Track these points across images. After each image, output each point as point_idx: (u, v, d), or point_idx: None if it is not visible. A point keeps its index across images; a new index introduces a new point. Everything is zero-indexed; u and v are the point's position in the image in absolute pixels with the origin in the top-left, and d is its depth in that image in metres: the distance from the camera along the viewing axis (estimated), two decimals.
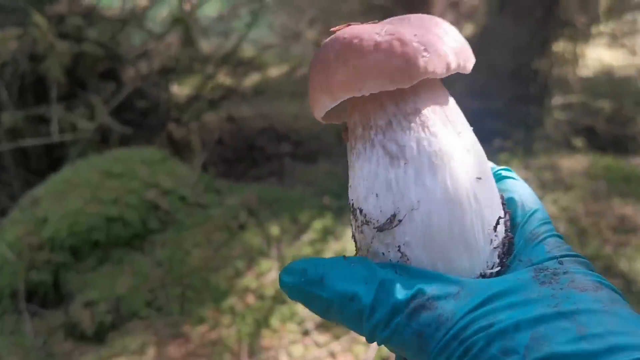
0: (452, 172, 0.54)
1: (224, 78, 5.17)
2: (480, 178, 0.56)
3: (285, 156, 4.52)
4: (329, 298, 0.53)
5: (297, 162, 4.47)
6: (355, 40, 0.55)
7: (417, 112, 0.56)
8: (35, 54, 3.22)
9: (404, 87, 0.54)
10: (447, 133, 0.56)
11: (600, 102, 4.15)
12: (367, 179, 0.57)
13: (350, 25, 0.61)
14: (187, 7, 4.96)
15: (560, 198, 2.63)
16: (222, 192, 2.79)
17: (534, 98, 3.62)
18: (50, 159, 3.08)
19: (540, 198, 2.64)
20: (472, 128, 0.62)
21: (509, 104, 3.67)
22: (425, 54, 0.53)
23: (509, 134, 3.51)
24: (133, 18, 3.97)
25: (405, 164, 0.55)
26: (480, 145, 0.62)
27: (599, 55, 5.83)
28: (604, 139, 3.95)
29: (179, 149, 4.18)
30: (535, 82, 3.64)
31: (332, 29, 0.63)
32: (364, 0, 7.72)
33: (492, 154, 2.56)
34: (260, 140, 4.66)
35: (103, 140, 3.19)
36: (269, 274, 2.42)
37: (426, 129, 0.56)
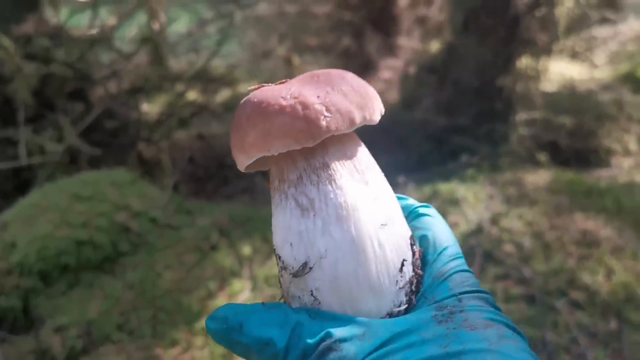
0: (357, 222, 0.59)
1: (194, 95, 5.19)
2: (385, 224, 0.61)
3: (257, 174, 4.54)
4: (247, 343, 0.56)
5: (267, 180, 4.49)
6: (263, 104, 0.61)
7: (325, 166, 0.61)
8: (1, 76, 3.19)
9: (310, 146, 0.59)
10: (354, 184, 0.61)
11: (563, 118, 4.28)
12: (283, 228, 0.62)
13: (262, 87, 0.66)
14: (156, 26, 4.97)
15: (525, 213, 2.71)
16: (193, 212, 2.80)
17: (499, 114, 3.72)
18: (18, 182, 3.04)
19: (506, 213, 2.72)
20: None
21: (474, 120, 3.77)
22: (327, 114, 0.58)
23: (475, 149, 3.60)
24: (101, 38, 3.96)
25: (314, 215, 0.59)
26: (390, 189, 0.68)
27: (560, 70, 6.04)
28: (566, 153, 4.08)
29: (150, 169, 4.17)
30: (499, 98, 3.74)
31: (248, 89, 0.68)
32: (332, 16, 7.83)
33: (459, 170, 2.63)
34: (230, 158, 4.66)
35: (72, 161, 3.16)
36: (241, 294, 2.43)
37: (333, 182, 0.60)
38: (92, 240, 2.37)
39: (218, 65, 9.90)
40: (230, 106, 7.28)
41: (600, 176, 3.97)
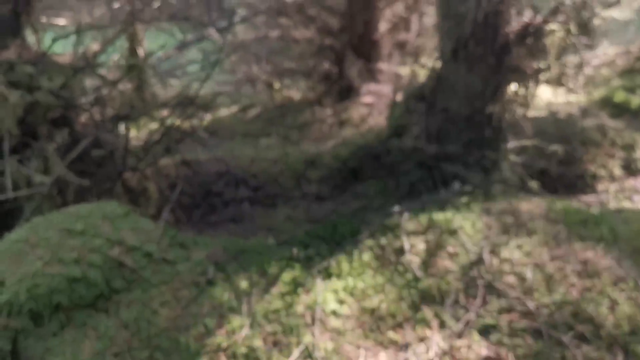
0: None
1: (178, 121, 5.11)
2: None
3: (244, 201, 4.47)
4: None
5: (256, 207, 4.43)
6: None
7: None
8: None
9: None
10: None
11: (551, 144, 4.33)
12: None
13: None
14: (140, 51, 4.91)
15: (524, 243, 2.70)
16: (187, 245, 2.71)
17: (489, 142, 3.74)
18: (2, 215, 2.93)
19: (505, 243, 2.70)
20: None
21: (465, 148, 3.77)
22: None
23: (466, 177, 3.60)
24: (86, 64, 3.88)
25: None
26: None
27: (544, 95, 6.13)
28: (554, 179, 4.12)
29: (136, 197, 4.07)
30: (489, 126, 3.76)
31: None
32: (313, 41, 7.85)
33: (451, 198, 2.60)
34: (217, 185, 4.59)
35: (58, 193, 3.06)
36: (241, 331, 2.35)
37: None
38: (85, 277, 2.27)
39: (202, 91, 9.80)
40: (212, 131, 7.21)
41: (590, 202, 4.02)
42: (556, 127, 4.67)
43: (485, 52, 3.67)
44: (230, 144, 6.70)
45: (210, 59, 4.41)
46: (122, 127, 3.90)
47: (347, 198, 4.40)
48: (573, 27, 3.60)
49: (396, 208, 3.19)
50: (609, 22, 10.83)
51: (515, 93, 3.83)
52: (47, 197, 2.80)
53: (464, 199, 3.39)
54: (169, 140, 4.24)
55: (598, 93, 7.18)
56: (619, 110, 6.68)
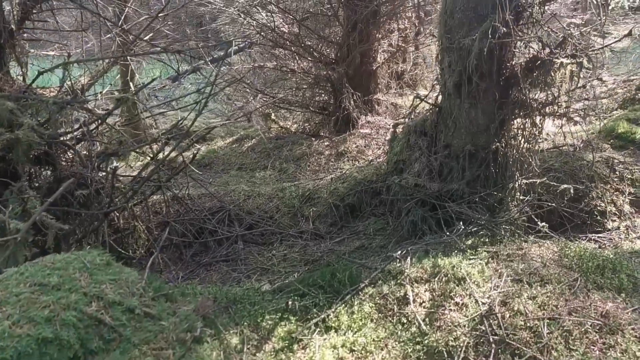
0: None
1: (171, 155, 4.92)
2: None
3: (238, 240, 4.26)
4: None
5: (251, 246, 4.22)
6: None
7: None
8: None
9: None
10: None
11: (558, 181, 4.16)
12: None
13: None
14: (131, 84, 4.75)
15: (537, 294, 2.49)
16: (173, 298, 2.50)
17: (495, 180, 3.56)
18: None
19: (518, 294, 2.49)
20: None
21: (469, 186, 3.59)
22: None
23: (471, 217, 3.41)
24: (73, 98, 3.71)
25: None
26: None
27: (547, 127, 5.97)
28: (564, 217, 3.93)
29: (124, 238, 3.86)
30: (494, 163, 3.59)
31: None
32: (310, 72, 7.74)
33: (456, 240, 2.39)
34: (210, 222, 4.39)
35: (37, 236, 2.85)
36: None
37: None
38: (58, 337, 2.05)
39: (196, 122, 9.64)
40: (206, 162, 7.04)
41: (603, 243, 3.82)
42: (562, 161, 4.50)
43: (489, 86, 3.52)
44: (225, 177, 6.52)
45: (205, 90, 4.23)
46: (109, 164, 3.71)
47: (345, 236, 4.20)
48: (582, 60, 3.45)
49: (398, 252, 2.99)
50: (608, 52, 10.76)
51: (521, 128, 3.66)
52: (22, 243, 2.59)
53: (470, 241, 3.20)
54: (160, 177, 4.05)
55: (601, 124, 7.05)
56: (623, 141, 6.53)
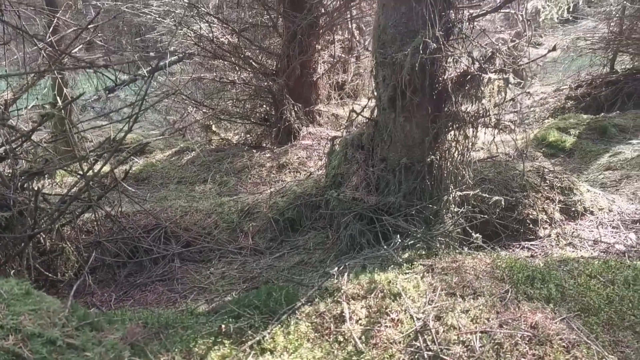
0: None
1: (104, 171, 4.75)
2: None
3: (174, 258, 4.14)
4: None
5: (188, 264, 4.11)
6: None
7: None
8: None
9: None
10: None
11: (492, 191, 4.25)
12: None
13: None
14: (61, 98, 4.56)
15: (470, 307, 2.52)
16: (99, 326, 2.38)
17: (430, 192, 3.60)
18: None
19: (451, 308, 2.52)
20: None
21: (405, 199, 3.62)
22: None
23: (408, 230, 3.44)
24: None
25: None
26: None
27: (480, 135, 6.13)
28: (497, 227, 4.02)
29: (51, 260, 3.68)
30: (430, 176, 3.63)
31: None
32: (251, 83, 7.67)
33: (393, 253, 2.39)
34: (146, 240, 4.25)
35: None
36: None
37: None
38: None
39: (132, 135, 9.40)
40: (144, 177, 6.84)
41: (534, 251, 3.93)
42: (496, 172, 4.62)
43: (423, 100, 3.57)
44: (164, 192, 6.36)
45: (143, 103, 4.10)
46: (34, 184, 3.53)
47: (285, 251, 4.16)
48: (508, 76, 3.54)
49: (335, 269, 2.97)
50: (540, 63, 11.23)
51: (455, 141, 3.73)
52: None
53: (407, 254, 3.22)
54: (91, 194, 3.88)
55: (533, 133, 7.32)
56: (553, 149, 6.81)
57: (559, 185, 4.68)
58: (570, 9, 9.69)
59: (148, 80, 3.59)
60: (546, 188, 4.63)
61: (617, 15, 8.48)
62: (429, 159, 3.65)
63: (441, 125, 3.63)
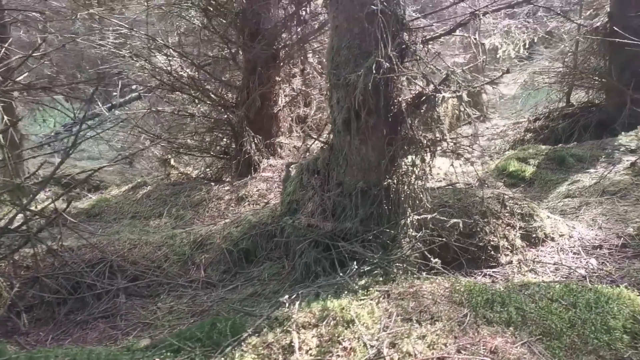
0: None
1: (47, 203, 4.50)
2: None
3: (120, 293, 3.89)
4: None
5: (134, 300, 3.86)
6: None
7: None
8: None
9: None
10: None
11: (452, 217, 4.16)
12: None
13: None
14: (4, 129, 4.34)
15: (427, 332, 2.36)
16: None
17: (388, 217, 3.48)
18: None
19: (407, 334, 2.35)
20: None
21: (362, 225, 3.49)
22: None
23: (364, 256, 3.29)
24: None
25: None
26: None
27: (443, 165, 6.09)
28: (458, 253, 3.90)
29: None
30: (387, 200, 3.51)
31: None
32: (210, 115, 7.54)
33: (349, 281, 2.22)
34: (89, 275, 3.98)
35: None
36: None
37: None
38: None
39: (83, 167, 9.16)
40: (96, 212, 6.56)
41: (495, 277, 3.82)
42: (456, 198, 4.53)
43: (378, 122, 3.48)
44: (116, 227, 6.09)
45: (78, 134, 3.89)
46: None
47: (239, 283, 3.95)
48: (462, 94, 3.49)
49: (286, 297, 2.79)
50: (499, 97, 11.48)
51: (412, 164, 3.63)
52: None
53: (363, 281, 3.06)
54: (30, 227, 3.64)
55: (494, 163, 7.34)
56: (514, 179, 6.81)
57: (519, 211, 4.61)
58: (527, 46, 9.94)
59: (86, 109, 3.41)
60: (507, 214, 4.55)
61: (571, 50, 8.71)
62: (385, 183, 3.53)
63: (397, 148, 3.53)
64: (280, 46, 7.39)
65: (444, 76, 3.54)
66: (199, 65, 7.29)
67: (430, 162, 3.73)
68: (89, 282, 3.95)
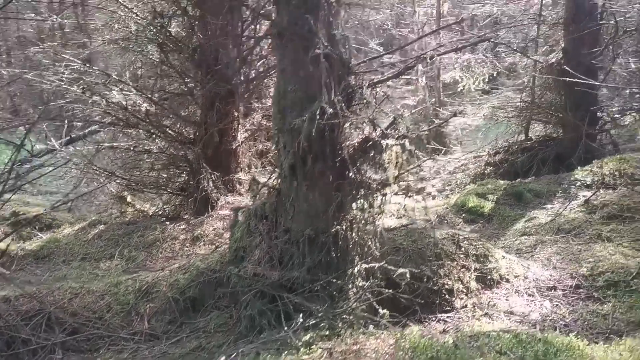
0: None
1: None
2: None
3: (56, 348, 3.67)
4: None
5: (71, 356, 3.65)
6: None
7: None
8: None
9: None
10: None
11: (405, 260, 4.10)
12: None
13: None
14: None
15: None
16: None
17: (336, 265, 3.37)
18: None
19: None
20: None
21: (310, 273, 3.37)
22: None
23: (311, 308, 3.17)
24: None
25: None
26: None
27: (396, 206, 6.04)
28: (410, 299, 3.80)
29: None
30: (335, 247, 3.41)
31: None
32: (167, 152, 7.39)
33: (294, 335, 2.08)
34: (24, 329, 3.76)
35: None
36: None
37: None
38: None
39: (38, 204, 8.85)
40: (44, 255, 6.30)
41: (448, 324, 3.73)
42: (411, 240, 4.46)
43: (325, 168, 3.40)
44: (65, 270, 5.84)
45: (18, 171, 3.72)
46: None
47: (184, 335, 3.77)
48: (404, 142, 3.43)
49: (222, 358, 2.64)
50: (461, 130, 11.58)
51: (362, 209, 3.55)
52: None
53: (308, 336, 2.93)
54: None
55: (454, 199, 7.33)
56: (473, 215, 6.80)
57: (474, 252, 4.56)
58: (486, 80, 10.12)
59: (17, 150, 3.26)
60: (461, 256, 4.50)
61: (529, 85, 8.87)
62: (333, 230, 3.44)
63: (346, 194, 3.45)
64: (238, 81, 7.32)
65: (391, 120, 3.50)
66: (155, 100, 7.16)
67: (382, 205, 3.65)
68: (24, 336, 3.72)
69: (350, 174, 3.47)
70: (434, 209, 7.08)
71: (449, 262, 4.38)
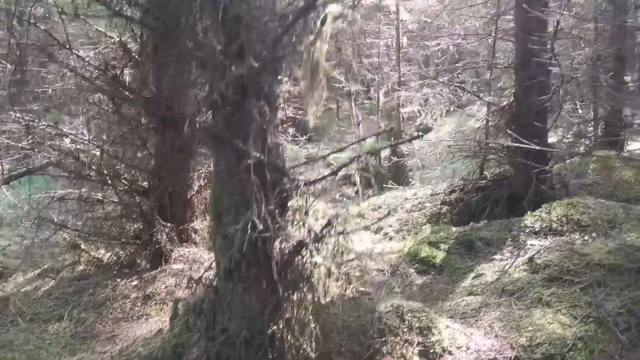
0: None
1: None
2: None
3: None
4: None
5: None
6: None
7: None
8: None
9: None
10: None
11: (345, 340, 4.14)
12: None
13: None
14: None
15: None
16: None
17: None
18: None
19: None
20: None
21: None
22: None
23: None
24: None
25: None
26: None
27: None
28: None
29: None
30: (272, 348, 3.46)
31: None
32: (120, 202, 7.30)
33: None
34: None
35: None
36: None
37: None
38: None
39: None
40: None
41: None
42: (355, 315, 4.51)
43: (260, 272, 3.43)
44: (13, 333, 5.76)
45: None
46: None
47: None
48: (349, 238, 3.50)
49: None
50: (421, 166, 11.68)
51: (298, 308, 3.59)
52: None
53: None
54: None
55: (408, 245, 7.43)
56: (425, 265, 6.91)
57: (417, 325, 4.63)
58: (443, 115, 10.29)
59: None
60: (405, 330, 4.56)
61: (482, 126, 9.06)
62: (270, 331, 3.47)
63: (281, 296, 3.49)
64: (194, 168, 7.34)
65: (326, 222, 3.56)
66: (107, 150, 7.08)
67: (322, 299, 3.70)
68: None
69: (287, 275, 3.51)
70: (387, 256, 7.19)
71: (392, 337, 4.45)
